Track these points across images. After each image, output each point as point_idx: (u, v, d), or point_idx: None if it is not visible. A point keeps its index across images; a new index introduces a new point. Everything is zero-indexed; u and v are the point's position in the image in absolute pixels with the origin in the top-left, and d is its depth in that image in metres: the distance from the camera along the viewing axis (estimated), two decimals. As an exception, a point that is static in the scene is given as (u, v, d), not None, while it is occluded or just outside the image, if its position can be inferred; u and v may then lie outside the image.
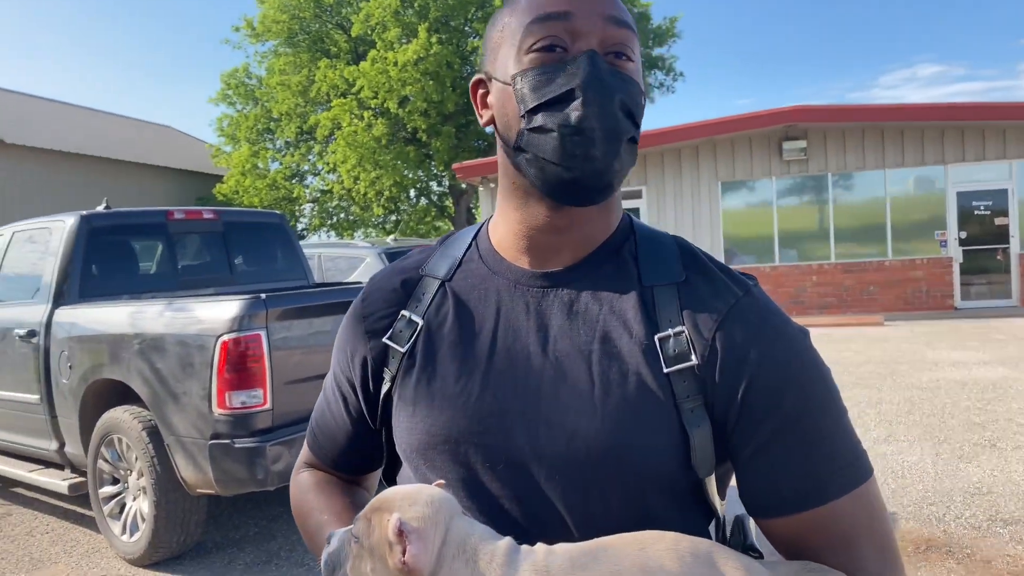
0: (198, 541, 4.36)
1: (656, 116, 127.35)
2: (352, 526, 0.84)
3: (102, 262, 4.93)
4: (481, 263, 1.01)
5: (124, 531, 4.26)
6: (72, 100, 53.61)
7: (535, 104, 0.87)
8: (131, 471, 4.24)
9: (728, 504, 0.96)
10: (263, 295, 3.75)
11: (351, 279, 8.00)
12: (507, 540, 0.80)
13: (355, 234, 26.78)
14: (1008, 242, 14.05)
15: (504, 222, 0.99)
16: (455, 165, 16.65)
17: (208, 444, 3.73)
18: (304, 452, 1.19)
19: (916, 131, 14.15)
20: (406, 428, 0.95)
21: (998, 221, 14.07)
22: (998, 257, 14.12)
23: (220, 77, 26.06)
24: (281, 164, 25.58)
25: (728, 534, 0.95)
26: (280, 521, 4.88)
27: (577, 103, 0.85)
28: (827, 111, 14.33)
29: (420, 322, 0.98)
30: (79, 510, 5.23)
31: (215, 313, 3.74)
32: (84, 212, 4.94)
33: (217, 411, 3.69)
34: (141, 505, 4.19)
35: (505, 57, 0.92)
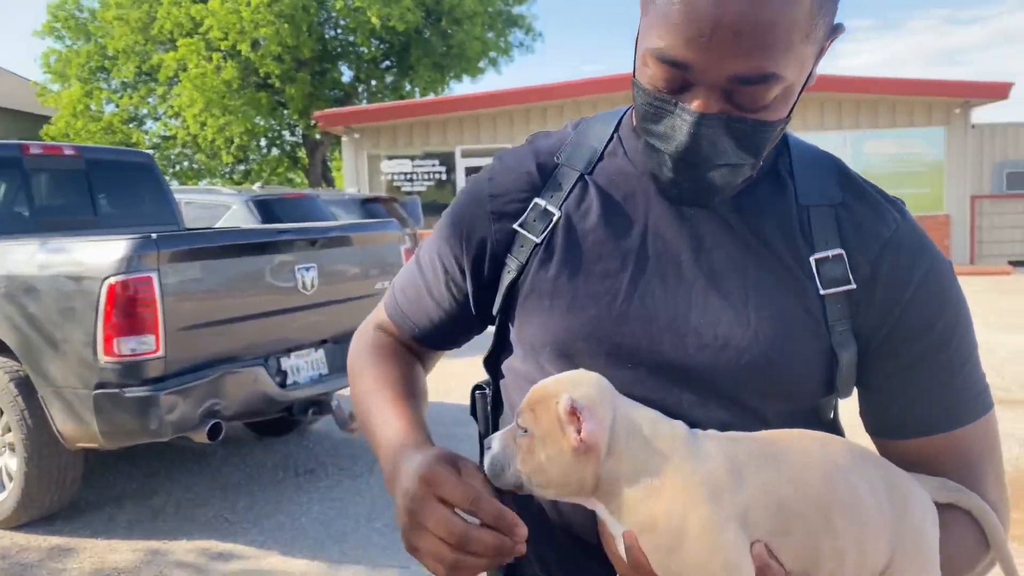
0: (72, 499, 4.07)
1: (518, 76, 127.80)
2: (512, 424, 0.81)
3: (-53, 199, 4.43)
4: (627, 160, 0.95)
5: (-13, 492, 3.91)
6: None
7: (641, 125, 0.85)
8: (-6, 426, 3.88)
9: None
10: (154, 235, 3.50)
11: (217, 227, 7.59)
12: (681, 423, 0.79)
13: (200, 183, 25.36)
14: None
15: None
16: (316, 113, 16.05)
17: (92, 394, 3.47)
18: (379, 314, 1.13)
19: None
20: (540, 323, 0.91)
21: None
22: None
23: (47, 8, 23.69)
24: (118, 106, 23.72)
25: None
26: (160, 476, 4.63)
27: (670, 164, 0.83)
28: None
29: (558, 213, 0.93)
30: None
31: (100, 253, 3.45)
32: (-75, 143, 4.41)
33: (103, 359, 3.43)
34: (7, 462, 3.86)
35: (642, 38, 0.83)
